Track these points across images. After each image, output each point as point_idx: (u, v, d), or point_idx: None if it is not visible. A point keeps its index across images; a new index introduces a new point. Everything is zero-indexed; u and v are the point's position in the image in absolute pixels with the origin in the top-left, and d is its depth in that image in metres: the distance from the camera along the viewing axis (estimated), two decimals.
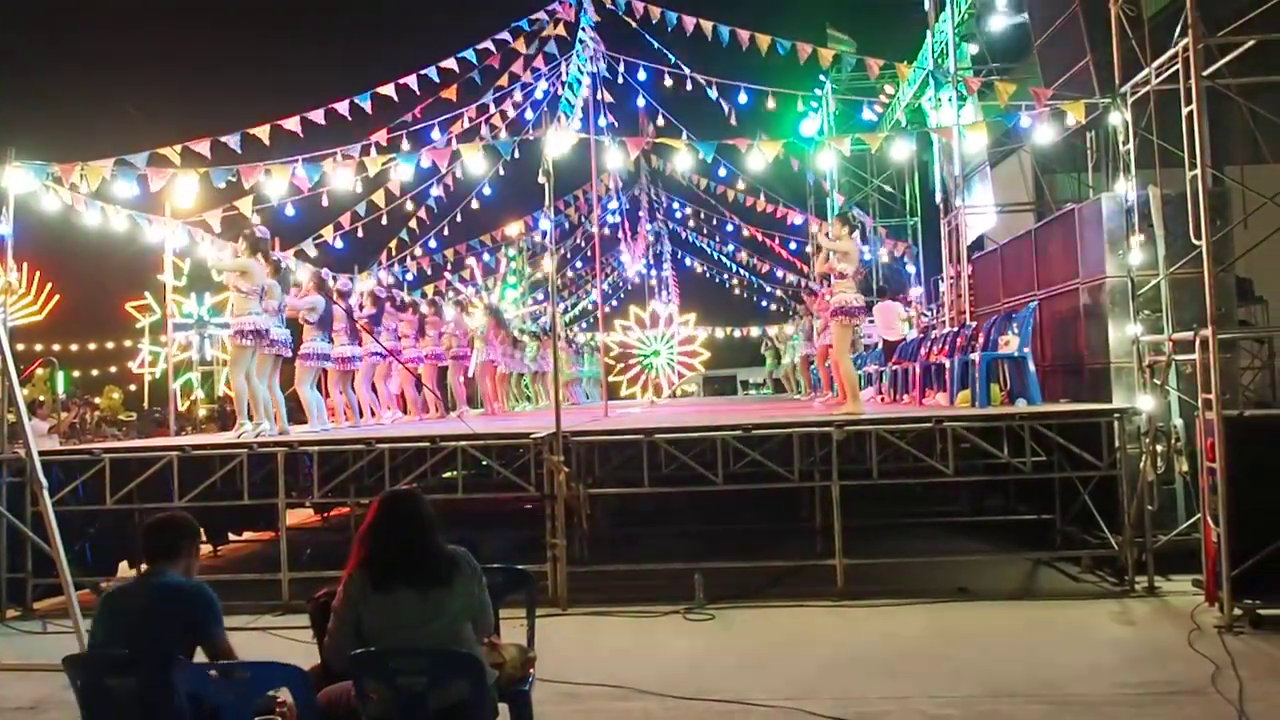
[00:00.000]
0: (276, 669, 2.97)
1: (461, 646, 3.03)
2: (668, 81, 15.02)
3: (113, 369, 25.22)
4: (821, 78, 19.88)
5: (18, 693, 5.12)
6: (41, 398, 16.34)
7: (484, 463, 7.31)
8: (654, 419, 9.24)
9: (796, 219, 18.20)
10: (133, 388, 23.19)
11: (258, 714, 2.98)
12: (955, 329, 10.73)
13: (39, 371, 18.44)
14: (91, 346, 26.02)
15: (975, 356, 8.32)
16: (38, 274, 22.49)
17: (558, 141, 8.31)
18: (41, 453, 6.28)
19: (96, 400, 21.10)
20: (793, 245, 21.67)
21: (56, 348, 24.66)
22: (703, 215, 24.42)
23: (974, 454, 7.05)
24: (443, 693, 2.88)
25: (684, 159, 10.41)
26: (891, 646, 5.53)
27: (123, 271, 16.19)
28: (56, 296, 19.79)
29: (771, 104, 12.49)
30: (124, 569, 8.06)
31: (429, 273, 17.18)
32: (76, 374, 26.23)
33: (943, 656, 5.27)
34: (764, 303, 26.52)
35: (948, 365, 9.06)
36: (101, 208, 9.14)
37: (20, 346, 22.16)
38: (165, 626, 3.11)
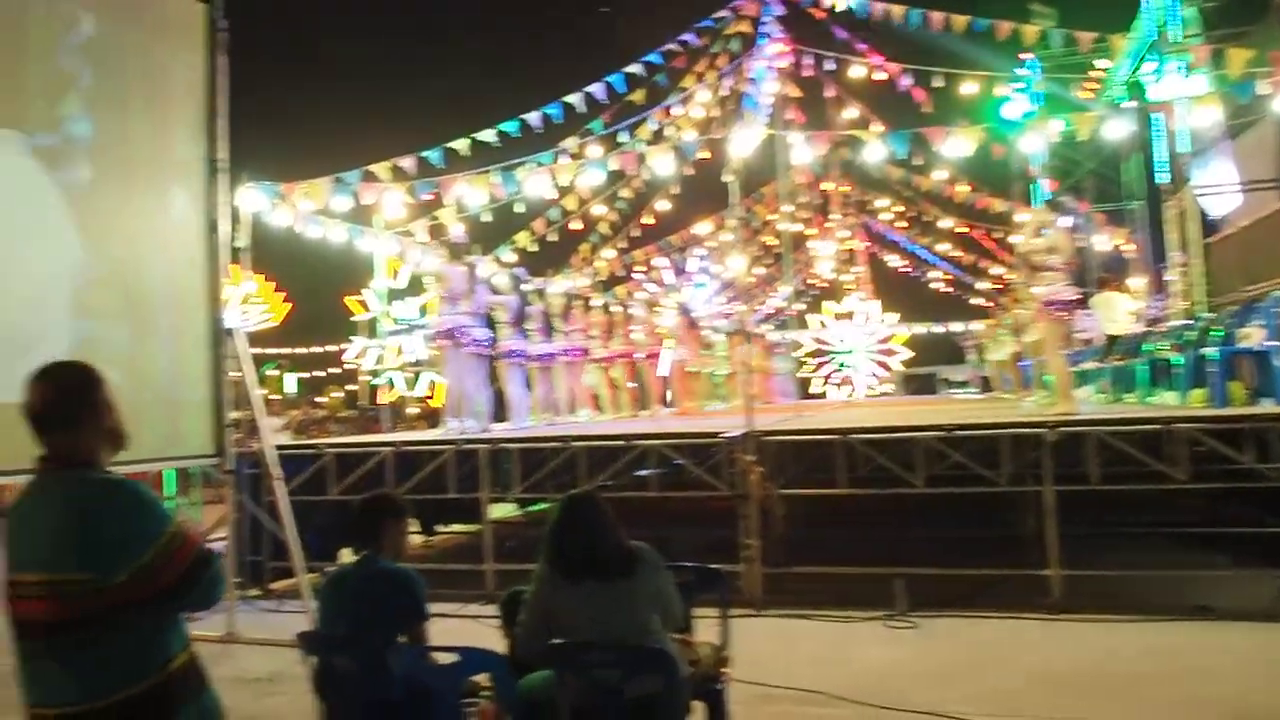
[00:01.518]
0: (482, 655, 3.09)
1: (650, 637, 3.08)
2: (858, 72, 14.61)
3: (334, 370, 27.39)
4: (1024, 56, 18.69)
5: (257, 664, 5.62)
6: (275, 397, 17.95)
7: (676, 461, 7.34)
8: (849, 418, 8.98)
9: (1001, 207, 17.25)
10: (350, 387, 25.06)
11: (461, 696, 3.11)
12: (1186, 321, 9.79)
13: (271, 374, 20.27)
14: (316, 350, 28.37)
15: (1212, 351, 7.54)
16: (273, 284, 24.73)
17: (743, 139, 8.24)
18: (276, 447, 6.88)
19: (321, 399, 22.96)
20: (998, 235, 20.52)
21: (287, 351, 27.05)
22: (899, 207, 23.64)
23: (1211, 459, 6.36)
24: (636, 684, 2.92)
25: (876, 150, 10.03)
26: (1111, 666, 5.09)
27: (342, 276, 17.70)
28: (289, 304, 21.61)
29: (971, 87, 11.87)
30: (345, 555, 8.70)
31: (618, 274, 17.59)
32: (305, 375, 28.60)
33: (1173, 679, 4.77)
34: (967, 296, 25.32)
35: (1176, 361, 8.26)
36: (322, 221, 9.95)
37: (255, 351, 24.38)
38: (377, 612, 3.28)
